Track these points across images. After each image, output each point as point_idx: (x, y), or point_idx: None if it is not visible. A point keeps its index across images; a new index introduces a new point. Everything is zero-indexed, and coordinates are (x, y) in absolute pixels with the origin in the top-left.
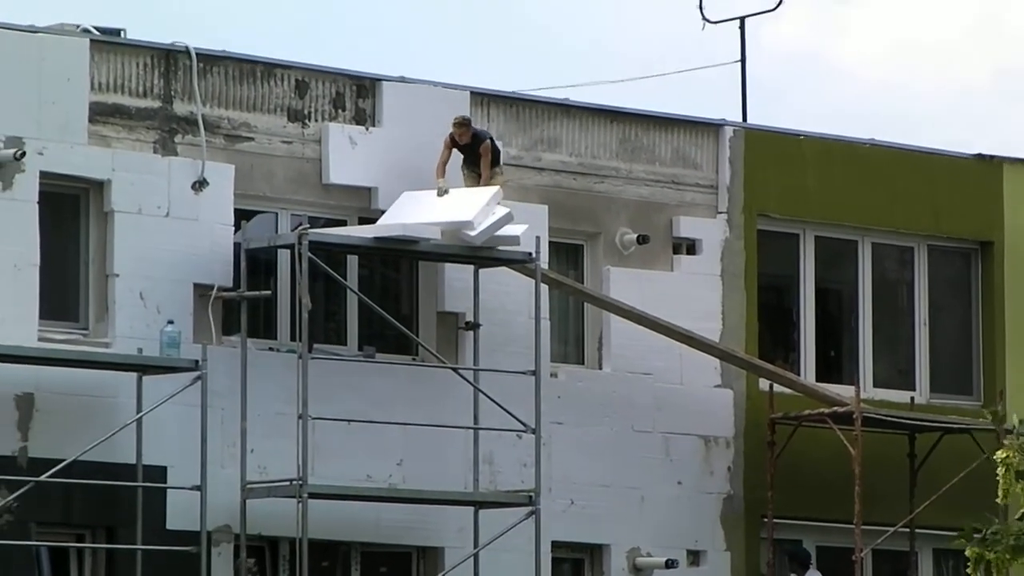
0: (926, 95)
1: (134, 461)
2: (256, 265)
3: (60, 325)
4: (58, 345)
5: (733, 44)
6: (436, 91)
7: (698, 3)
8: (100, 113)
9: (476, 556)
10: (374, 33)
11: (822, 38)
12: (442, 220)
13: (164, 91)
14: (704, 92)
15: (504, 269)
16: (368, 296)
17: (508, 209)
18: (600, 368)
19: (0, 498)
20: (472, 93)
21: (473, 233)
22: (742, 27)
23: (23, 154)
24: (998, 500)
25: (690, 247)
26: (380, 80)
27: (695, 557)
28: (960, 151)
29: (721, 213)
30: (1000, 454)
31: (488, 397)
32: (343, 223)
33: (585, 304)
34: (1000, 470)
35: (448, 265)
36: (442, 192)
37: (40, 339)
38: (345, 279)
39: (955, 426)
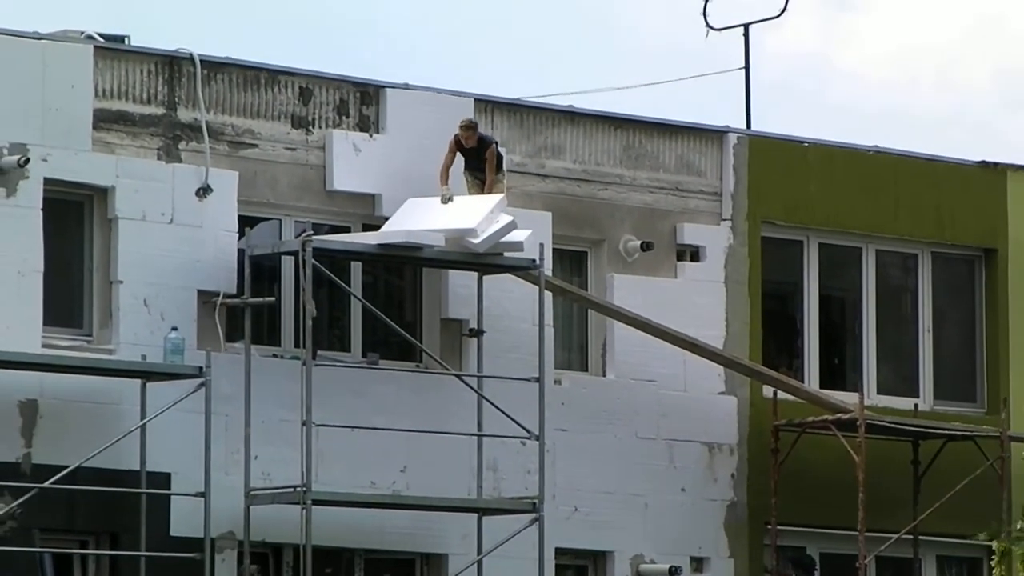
0: (929, 101)
1: (138, 467)
2: (260, 272)
3: (64, 331)
4: (62, 351)
5: (737, 51)
6: (440, 98)
7: (702, 10)
8: (104, 120)
9: (480, 563)
10: (378, 40)
11: (826, 45)
12: (445, 227)
13: (168, 98)
14: (708, 99)
15: (508, 276)
16: (372, 303)
17: (512, 217)
18: (604, 375)
19: (4, 504)
20: (476, 100)
21: (476, 241)
22: (746, 34)
23: (27, 161)
24: None
25: (694, 254)
26: (384, 87)
27: (699, 564)
28: (964, 158)
29: (725, 220)
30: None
31: (492, 404)
32: (347, 230)
33: (589, 311)
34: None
35: (452, 272)
36: (446, 199)
37: (44, 345)
38: (349, 286)
39: (959, 433)
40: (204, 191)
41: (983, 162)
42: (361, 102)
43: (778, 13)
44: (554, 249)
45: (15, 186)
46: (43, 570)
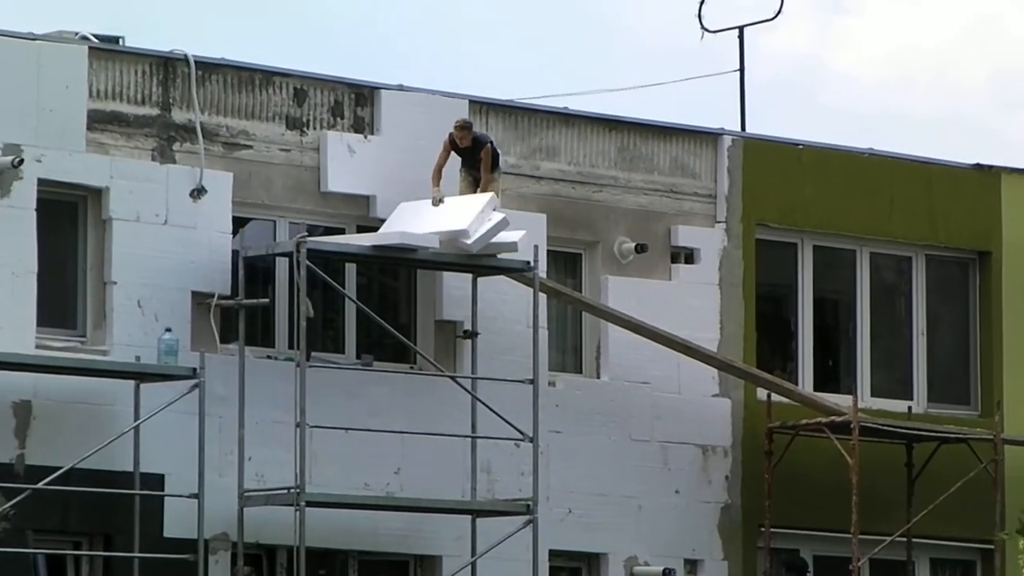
0: (924, 103)
1: (132, 469)
2: (254, 273)
3: (58, 332)
4: (56, 353)
5: (732, 53)
6: (434, 99)
7: (697, 12)
8: (98, 121)
9: (474, 565)
10: (373, 41)
11: (820, 47)
12: (437, 229)
13: (162, 99)
14: (703, 101)
15: (502, 278)
16: (366, 304)
17: (503, 215)
18: (598, 377)
19: None
20: (471, 101)
21: (469, 241)
22: (741, 36)
23: (21, 161)
24: None
25: (688, 256)
26: (378, 88)
27: (692, 566)
28: (958, 161)
29: (719, 222)
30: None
31: (486, 406)
32: (341, 231)
33: (583, 313)
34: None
35: (446, 274)
36: (437, 201)
37: (38, 346)
38: (343, 287)
39: (952, 436)
40: (198, 192)
41: (977, 165)
42: (356, 103)
43: (773, 15)
44: (548, 251)
45: (9, 187)
46: (36, 571)
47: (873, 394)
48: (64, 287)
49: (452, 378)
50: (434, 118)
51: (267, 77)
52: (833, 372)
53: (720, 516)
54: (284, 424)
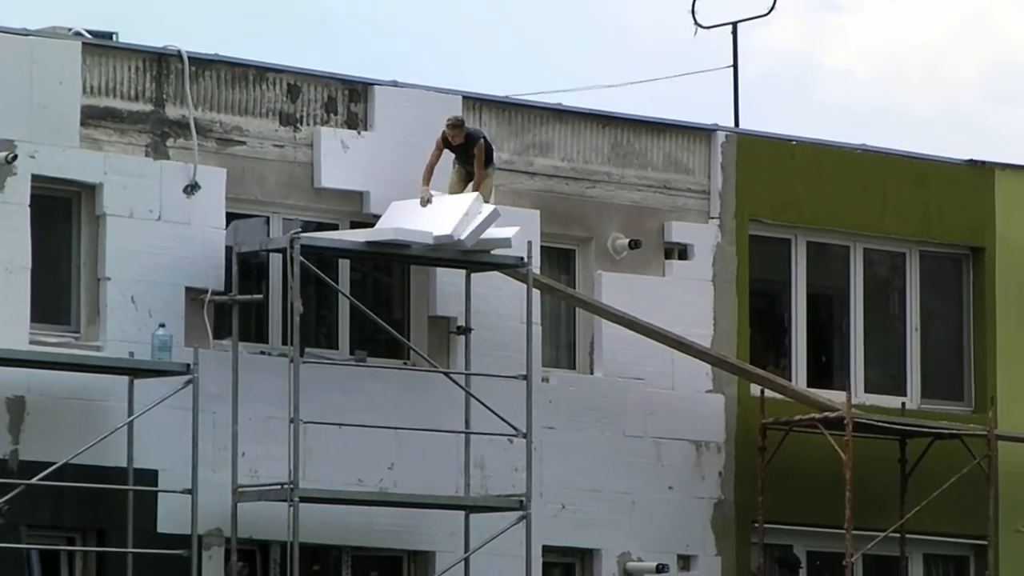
0: (917, 98)
1: (125, 464)
2: (248, 269)
3: (51, 328)
4: (49, 348)
5: (725, 49)
6: (428, 95)
7: (690, 8)
8: (92, 116)
9: (467, 560)
10: (366, 37)
11: (813, 43)
12: (425, 232)
13: (156, 95)
14: (696, 97)
15: (496, 274)
16: (360, 300)
17: (494, 207)
18: (591, 373)
19: None
20: (464, 97)
21: (461, 237)
22: (734, 32)
23: (15, 157)
24: None
25: (682, 252)
26: (372, 84)
27: (686, 562)
28: (952, 156)
29: (713, 218)
30: None
31: (479, 401)
32: (335, 227)
33: (577, 309)
34: None
35: (440, 269)
36: (425, 201)
37: (31, 342)
38: (337, 283)
39: (946, 431)
40: (192, 188)
41: (971, 161)
42: (349, 99)
43: (767, 11)
44: (542, 247)
45: (3, 183)
46: (30, 566)
47: (867, 390)
48: (58, 283)
49: (446, 374)
50: (428, 114)
51: (260, 73)
52: (827, 368)
53: (713, 512)
54: (278, 420)
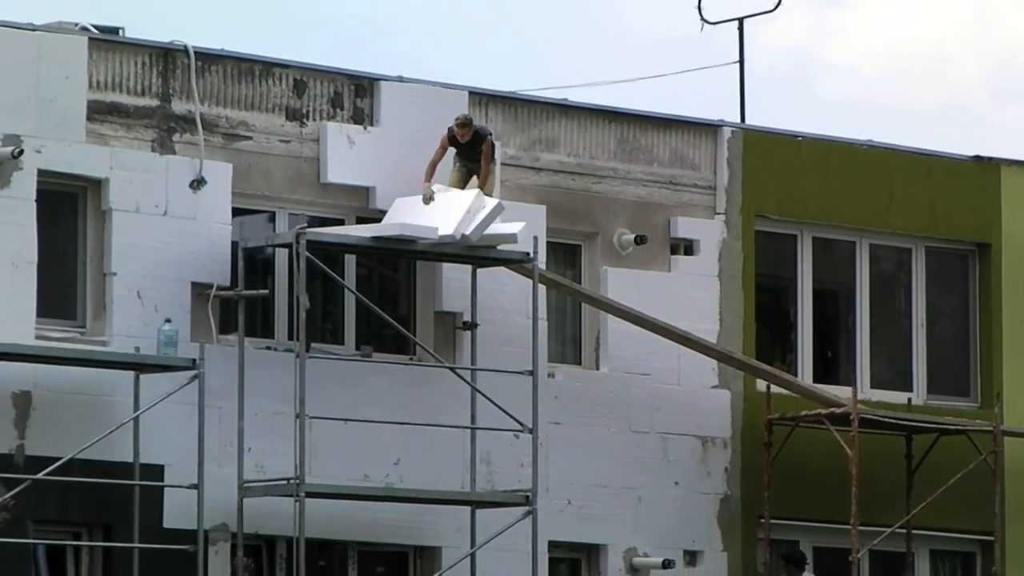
0: (921, 94)
1: (131, 459)
2: (254, 264)
3: (58, 323)
4: (55, 343)
5: (731, 45)
6: (434, 91)
7: (696, 4)
8: (98, 111)
9: (473, 556)
10: (372, 32)
11: (817, 39)
12: (431, 227)
13: (162, 90)
14: (702, 93)
15: (502, 269)
16: (366, 295)
17: (498, 200)
18: (597, 368)
19: None
20: (470, 93)
21: (466, 232)
22: (741, 28)
23: (21, 152)
24: None
25: (688, 248)
26: (378, 80)
27: (692, 557)
28: (958, 152)
29: (719, 214)
30: None
31: (485, 397)
32: (341, 222)
33: (583, 304)
34: None
35: (446, 265)
36: (427, 199)
37: (38, 337)
38: (343, 278)
39: (952, 427)
40: (198, 183)
41: (977, 156)
42: (355, 95)
43: (773, 7)
44: (548, 242)
45: (9, 177)
46: (36, 561)
47: (873, 385)
48: (64, 278)
49: (452, 369)
50: (434, 110)
51: (267, 68)
52: (833, 363)
53: (720, 508)
54: (284, 415)
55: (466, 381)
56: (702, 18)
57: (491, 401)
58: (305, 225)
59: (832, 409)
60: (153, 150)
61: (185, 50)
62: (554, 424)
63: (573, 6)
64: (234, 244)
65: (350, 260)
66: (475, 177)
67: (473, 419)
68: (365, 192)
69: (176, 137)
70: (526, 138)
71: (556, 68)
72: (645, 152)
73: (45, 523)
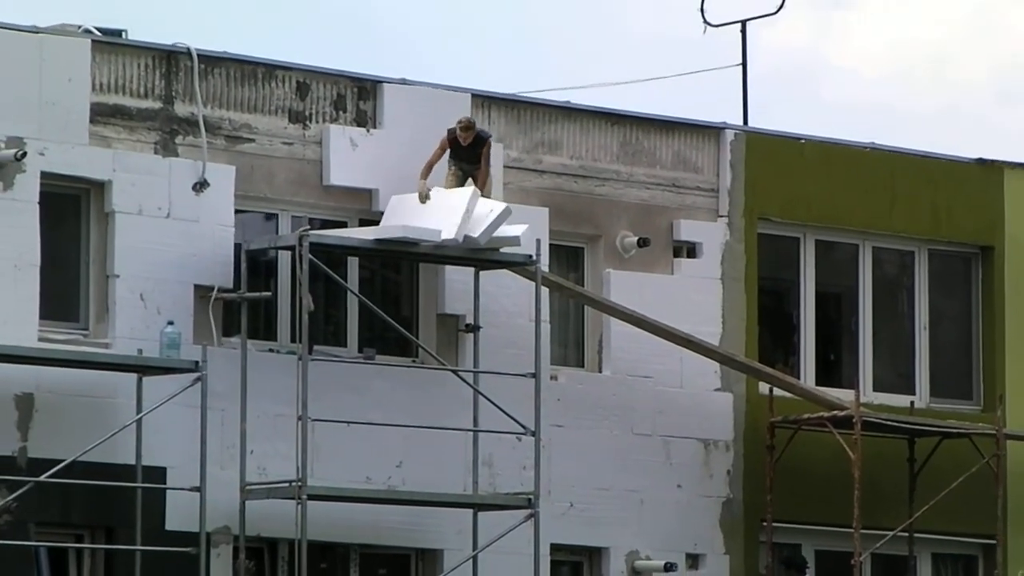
0: (924, 96)
1: (133, 462)
2: (256, 266)
3: (60, 325)
4: (58, 345)
5: (734, 47)
6: (437, 93)
7: (699, 6)
8: (101, 114)
9: (475, 558)
10: (375, 35)
11: (820, 41)
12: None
13: (165, 92)
14: (705, 95)
15: (504, 271)
16: (368, 298)
17: (505, 205)
18: (600, 371)
19: (0, 498)
20: (473, 95)
21: (475, 234)
22: (743, 31)
23: (24, 154)
24: None
25: (690, 250)
26: (381, 82)
27: (694, 560)
28: (961, 155)
29: (722, 216)
30: None
31: (488, 399)
32: (343, 225)
33: (585, 307)
34: None
35: (448, 267)
36: (423, 197)
37: (40, 339)
38: (345, 281)
39: (954, 430)
40: (201, 185)
41: (980, 159)
42: (358, 97)
43: (775, 10)
44: (551, 245)
45: (12, 180)
46: (38, 563)
47: (875, 388)
48: (66, 280)
49: (454, 372)
50: (437, 112)
51: (270, 70)
52: (835, 366)
53: (722, 510)
54: (286, 417)
55: (468, 384)
56: (705, 20)
57: (493, 404)
58: (308, 227)
59: (835, 412)
60: (156, 152)
61: (188, 52)
62: (556, 427)
63: (576, 9)
64: (237, 246)
65: (353, 262)
66: (471, 180)
67: (475, 422)
68: (368, 194)
69: (179, 139)
70: (529, 140)
71: (559, 70)
72: (648, 155)
73: (47, 525)
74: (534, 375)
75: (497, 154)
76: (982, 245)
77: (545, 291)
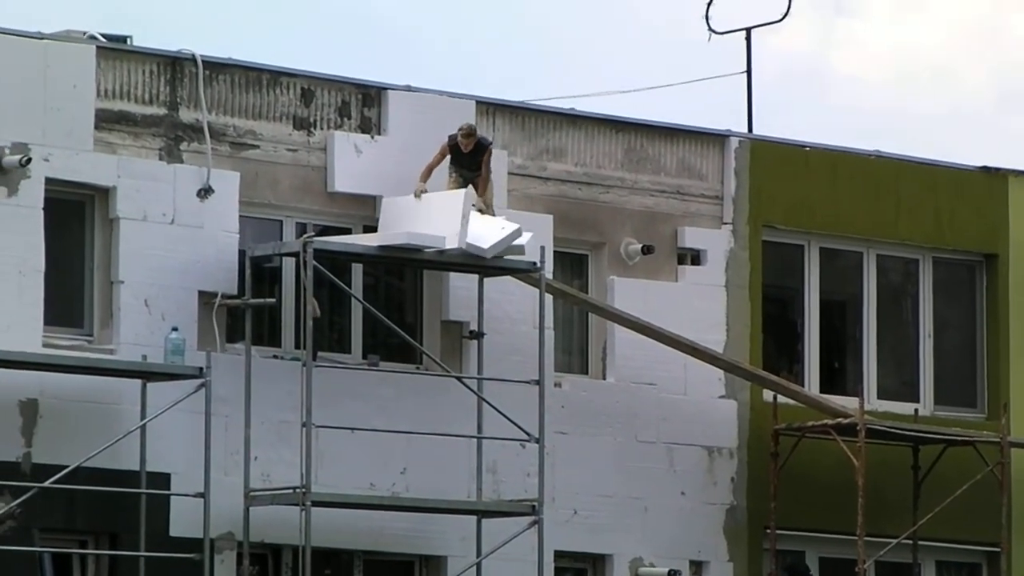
0: (929, 104)
1: (138, 468)
2: (261, 273)
3: (65, 331)
4: (62, 351)
5: (739, 55)
6: (442, 100)
7: (704, 14)
8: (106, 120)
9: (479, 565)
10: (380, 42)
11: (827, 49)
12: (438, 237)
13: (170, 98)
14: (710, 103)
15: (508, 278)
16: (372, 304)
17: (518, 225)
18: (604, 378)
19: (4, 504)
20: (478, 102)
21: (485, 246)
22: (748, 38)
23: (29, 160)
24: None
25: (695, 258)
26: (386, 89)
27: (698, 568)
28: (965, 163)
29: (726, 224)
30: None
31: (492, 406)
32: (348, 231)
33: (589, 314)
34: None
35: (453, 274)
36: (418, 195)
37: (45, 345)
38: (350, 287)
39: (959, 438)
40: (205, 192)
41: (984, 167)
42: (363, 104)
43: (780, 17)
44: (555, 252)
45: (17, 185)
46: (43, 569)
47: (879, 396)
48: (71, 286)
49: (458, 379)
50: (441, 119)
51: (274, 77)
52: (840, 374)
53: (726, 518)
54: (290, 424)
55: (472, 390)
56: (709, 28)
57: (497, 410)
58: (312, 234)
59: (839, 420)
60: (160, 159)
61: (193, 59)
62: (560, 434)
63: (581, 15)
64: (241, 253)
65: (357, 269)
66: (472, 186)
67: (479, 428)
68: (372, 201)
69: (184, 146)
70: (533, 148)
71: (563, 78)
72: (652, 162)
73: (51, 531)
74: (538, 382)
75: (501, 161)
76: (986, 253)
77: (549, 298)
